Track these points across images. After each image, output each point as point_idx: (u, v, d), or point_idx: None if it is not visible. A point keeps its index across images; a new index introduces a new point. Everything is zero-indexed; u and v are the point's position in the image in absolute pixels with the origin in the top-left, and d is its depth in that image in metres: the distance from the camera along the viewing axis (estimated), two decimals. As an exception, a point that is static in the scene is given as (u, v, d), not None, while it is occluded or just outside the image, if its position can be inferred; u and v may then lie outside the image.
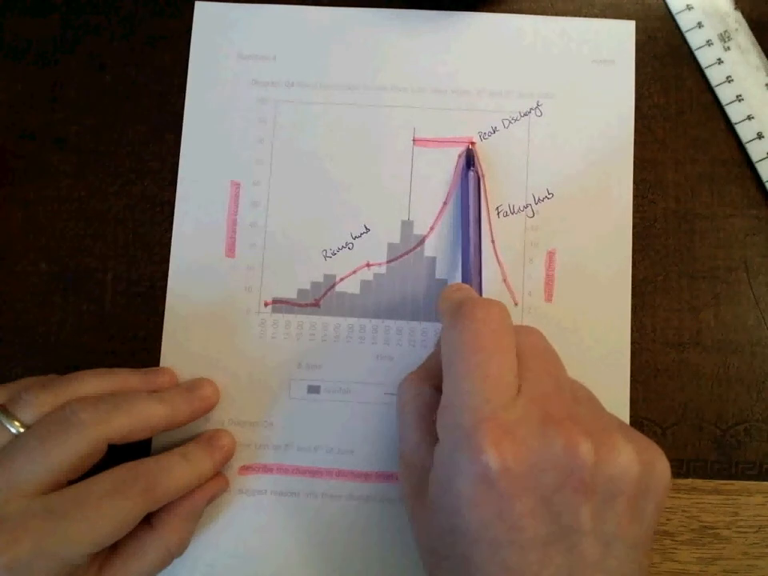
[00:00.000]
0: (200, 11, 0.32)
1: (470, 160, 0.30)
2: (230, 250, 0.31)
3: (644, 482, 0.21)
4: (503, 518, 0.20)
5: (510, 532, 0.20)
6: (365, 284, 0.30)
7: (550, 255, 0.30)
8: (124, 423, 0.25)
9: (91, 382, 0.26)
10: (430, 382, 0.25)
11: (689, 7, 0.32)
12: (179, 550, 0.27)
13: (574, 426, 0.21)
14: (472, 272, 0.28)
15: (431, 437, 0.24)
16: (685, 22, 0.32)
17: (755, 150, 0.31)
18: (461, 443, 0.21)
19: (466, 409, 0.21)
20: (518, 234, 0.30)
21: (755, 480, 0.29)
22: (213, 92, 0.31)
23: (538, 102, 0.31)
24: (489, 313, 0.23)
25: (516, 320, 0.29)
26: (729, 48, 0.31)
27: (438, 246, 0.31)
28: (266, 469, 0.29)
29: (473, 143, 0.31)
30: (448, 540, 0.21)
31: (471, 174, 0.30)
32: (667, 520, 0.29)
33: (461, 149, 0.31)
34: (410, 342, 0.30)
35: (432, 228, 0.31)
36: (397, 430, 0.26)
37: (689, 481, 0.29)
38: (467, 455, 0.21)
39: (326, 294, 0.30)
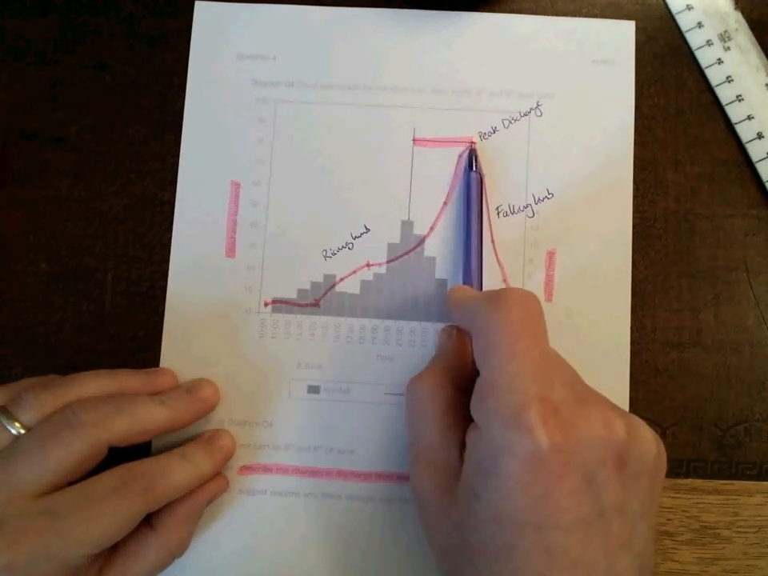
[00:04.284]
0: (200, 11, 0.32)
1: (472, 160, 0.30)
2: (230, 250, 0.31)
3: (657, 462, 0.23)
4: (549, 500, 0.21)
5: (554, 514, 0.21)
6: (365, 284, 0.30)
7: (550, 255, 0.30)
8: (125, 426, 0.25)
9: (92, 384, 0.26)
10: (449, 380, 0.26)
11: (689, 7, 0.32)
12: (179, 550, 0.27)
13: (605, 405, 0.22)
14: (473, 272, 0.28)
15: (455, 432, 0.24)
16: (685, 22, 0.32)
17: (755, 150, 0.31)
18: (510, 423, 0.21)
19: (515, 390, 0.21)
20: (518, 234, 0.30)
21: (755, 480, 0.29)
22: (213, 92, 0.31)
23: (537, 102, 0.31)
24: (528, 299, 0.24)
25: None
26: (729, 48, 0.31)
27: (438, 246, 0.30)
28: (266, 469, 0.29)
29: (473, 143, 0.31)
30: (487, 531, 0.21)
31: (473, 174, 0.30)
32: (667, 520, 0.29)
33: (461, 149, 0.31)
34: (409, 342, 0.30)
35: (432, 228, 0.31)
36: (405, 429, 0.26)
37: (689, 481, 0.29)
38: (518, 434, 0.21)
39: (326, 294, 0.30)
